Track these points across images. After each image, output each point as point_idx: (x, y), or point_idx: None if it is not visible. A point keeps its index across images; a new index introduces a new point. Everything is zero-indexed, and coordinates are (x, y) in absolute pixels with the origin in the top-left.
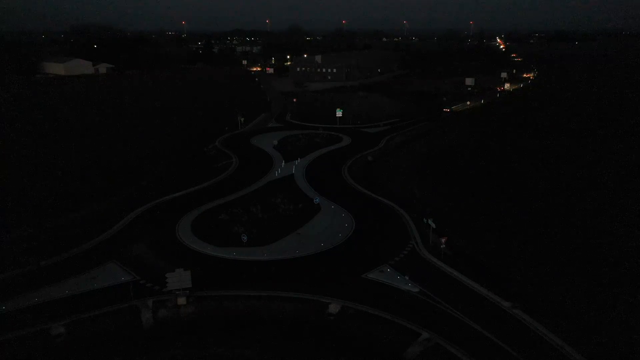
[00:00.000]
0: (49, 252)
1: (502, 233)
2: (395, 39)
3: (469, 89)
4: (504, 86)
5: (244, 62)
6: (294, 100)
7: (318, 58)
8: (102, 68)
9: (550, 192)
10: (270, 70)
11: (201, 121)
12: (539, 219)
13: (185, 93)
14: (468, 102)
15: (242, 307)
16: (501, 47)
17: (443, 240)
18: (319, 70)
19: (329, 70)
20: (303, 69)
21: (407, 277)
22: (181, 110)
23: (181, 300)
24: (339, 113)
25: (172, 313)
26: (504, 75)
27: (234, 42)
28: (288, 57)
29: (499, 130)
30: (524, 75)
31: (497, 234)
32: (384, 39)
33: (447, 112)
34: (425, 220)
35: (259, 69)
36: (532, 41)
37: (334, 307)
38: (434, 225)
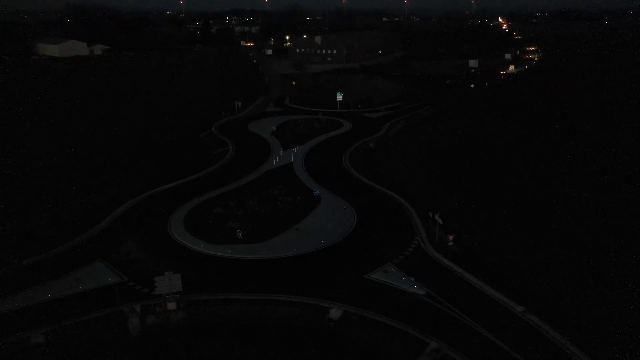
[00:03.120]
0: (32, 251)
1: (514, 230)
2: (396, 19)
3: (472, 71)
4: (508, 68)
5: (243, 43)
6: (293, 83)
7: (318, 39)
8: (98, 49)
9: (570, 187)
10: (269, 51)
11: (197, 106)
12: (557, 215)
13: (182, 76)
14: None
15: (236, 312)
16: (504, 26)
17: (451, 237)
18: (318, 51)
19: (329, 51)
20: (302, 50)
21: (412, 279)
22: (177, 94)
23: (171, 305)
24: (339, 97)
25: (162, 319)
26: (508, 56)
27: (233, 22)
28: (287, 37)
29: (509, 117)
30: (528, 57)
31: (508, 231)
32: (385, 19)
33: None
34: (430, 214)
35: (252, 44)
36: (534, 21)
37: (335, 313)
38: (440, 221)
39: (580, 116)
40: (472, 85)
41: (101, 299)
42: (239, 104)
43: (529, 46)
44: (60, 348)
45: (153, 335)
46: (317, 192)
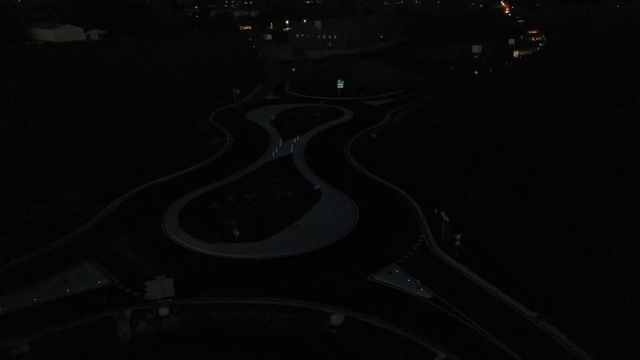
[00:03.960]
0: (18, 250)
1: (526, 227)
2: (397, 2)
3: (476, 57)
4: (512, 54)
5: (242, 27)
6: (293, 70)
7: (318, 24)
8: (94, 34)
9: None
10: (268, 36)
11: (194, 93)
12: (572, 211)
13: (179, 62)
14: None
15: (232, 317)
16: (506, 11)
17: (458, 236)
18: (318, 36)
19: (330, 37)
20: (302, 35)
21: (418, 282)
22: (173, 81)
23: (163, 311)
24: (340, 84)
25: (153, 326)
26: (511, 41)
27: (232, 5)
28: (287, 22)
29: (516, 105)
30: (533, 39)
31: (518, 228)
32: (386, 3)
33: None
34: (436, 210)
35: (249, 28)
36: (537, 4)
37: (336, 319)
38: (447, 219)
39: (592, 101)
40: (476, 72)
41: (90, 304)
42: (237, 91)
43: (532, 30)
44: (46, 358)
45: (144, 344)
46: (317, 186)
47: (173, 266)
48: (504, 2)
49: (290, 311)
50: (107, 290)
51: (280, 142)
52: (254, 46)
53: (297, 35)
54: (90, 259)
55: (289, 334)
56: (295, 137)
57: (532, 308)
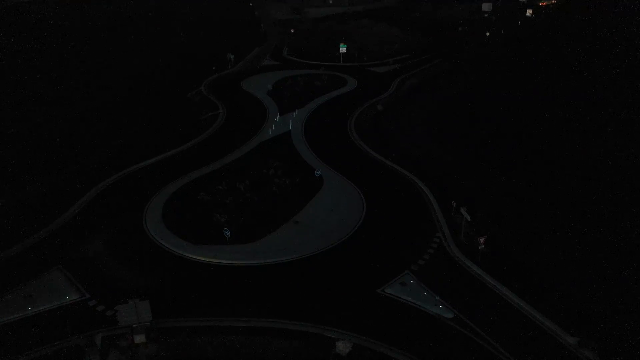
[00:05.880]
0: None
1: (558, 226)
2: None
3: (486, 15)
4: (525, 12)
5: None
6: (292, 31)
7: None
8: None
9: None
10: None
11: (185, 58)
12: (617, 210)
13: (168, 23)
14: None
15: (220, 344)
16: None
17: (482, 240)
18: None
19: None
20: None
21: (437, 298)
22: (162, 44)
23: (139, 338)
24: (342, 49)
25: (127, 356)
26: None
27: None
28: None
29: (533, 71)
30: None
31: (550, 227)
32: None
33: None
34: (453, 204)
35: None
36: None
37: (343, 347)
38: (468, 217)
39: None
40: (488, 34)
41: (55, 326)
42: (232, 57)
43: None
44: None
45: None
46: (318, 172)
47: (154, 274)
48: None
49: (287, 336)
50: (76, 307)
51: (278, 116)
52: (250, 4)
53: None
54: (59, 266)
55: None
56: (294, 110)
57: (573, 332)
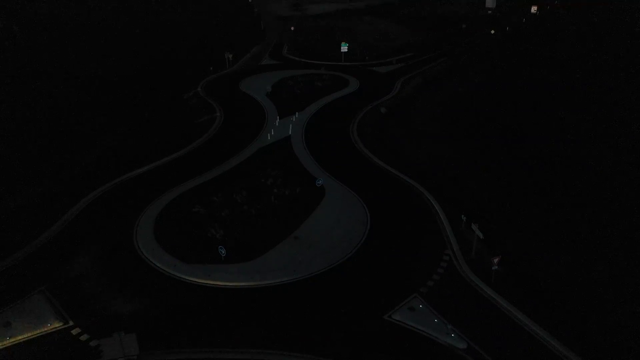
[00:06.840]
0: None
1: (581, 241)
2: None
3: (489, 12)
4: (530, 8)
5: None
6: (292, 28)
7: None
8: None
9: None
10: None
11: (182, 58)
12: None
13: (165, 20)
14: None
15: None
16: None
17: (496, 260)
18: None
19: None
20: None
21: (449, 327)
22: (158, 43)
23: None
24: (343, 48)
25: None
26: None
27: None
28: None
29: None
30: None
31: (570, 242)
32: None
33: None
34: (463, 218)
35: None
36: None
37: None
38: (480, 235)
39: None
40: (493, 31)
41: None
42: (230, 56)
43: None
44: None
45: None
46: (320, 181)
47: (143, 297)
48: None
49: None
50: (58, 336)
51: (277, 120)
52: (250, 0)
53: None
54: (42, 288)
55: None
56: (294, 113)
57: None
